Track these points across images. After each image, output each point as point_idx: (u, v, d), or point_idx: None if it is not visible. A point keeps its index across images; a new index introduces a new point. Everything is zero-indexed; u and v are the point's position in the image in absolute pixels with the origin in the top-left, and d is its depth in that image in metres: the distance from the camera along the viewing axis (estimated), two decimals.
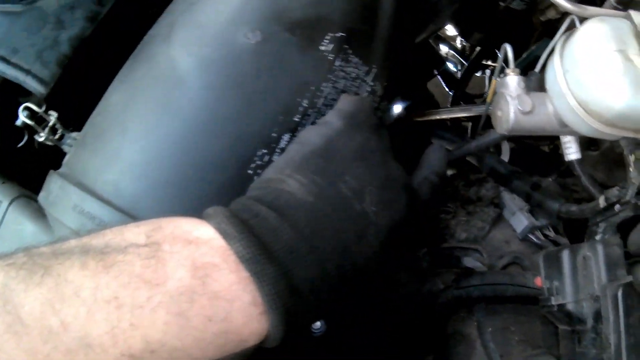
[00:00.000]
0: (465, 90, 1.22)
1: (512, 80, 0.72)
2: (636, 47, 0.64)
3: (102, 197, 0.56)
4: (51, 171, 0.66)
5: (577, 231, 0.83)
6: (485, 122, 1.07)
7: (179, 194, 0.55)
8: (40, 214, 0.63)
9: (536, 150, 0.98)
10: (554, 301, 0.66)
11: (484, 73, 1.35)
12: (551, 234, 0.82)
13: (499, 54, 0.96)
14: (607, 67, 0.62)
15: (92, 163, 0.60)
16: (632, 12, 0.67)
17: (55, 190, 0.61)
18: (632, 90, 0.61)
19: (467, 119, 1.02)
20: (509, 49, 0.74)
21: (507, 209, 0.83)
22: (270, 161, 0.57)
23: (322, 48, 0.61)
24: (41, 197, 0.65)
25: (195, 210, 0.51)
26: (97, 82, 0.71)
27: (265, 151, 0.57)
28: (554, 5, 0.91)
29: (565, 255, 0.67)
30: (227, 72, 0.58)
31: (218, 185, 0.55)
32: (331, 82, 0.61)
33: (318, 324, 0.62)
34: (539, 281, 0.69)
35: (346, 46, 0.63)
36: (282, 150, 0.57)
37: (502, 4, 0.91)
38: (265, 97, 0.58)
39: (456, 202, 0.81)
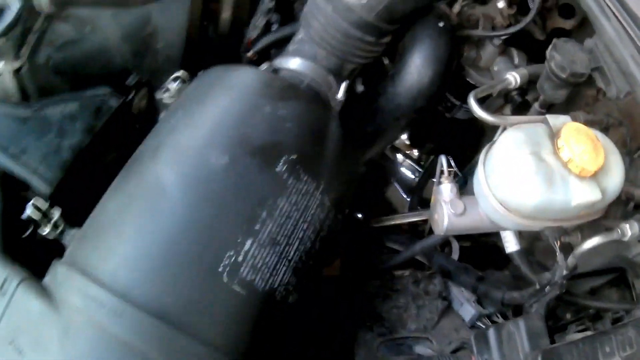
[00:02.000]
0: (422, 195, 1.50)
1: (446, 187, 1.01)
2: (549, 147, 0.92)
3: (103, 282, 0.84)
4: (56, 260, 0.94)
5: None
6: None
7: (165, 282, 0.83)
8: (45, 294, 0.89)
9: (491, 247, 1.28)
10: None
11: None
12: (499, 320, 1.11)
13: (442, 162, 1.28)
14: (521, 168, 0.90)
15: (93, 255, 0.88)
16: (549, 116, 0.96)
17: (61, 275, 0.89)
18: (544, 186, 0.88)
19: (422, 222, 1.33)
20: (443, 160, 1.04)
21: (456, 300, 1.12)
22: (236, 261, 0.86)
23: (278, 169, 0.91)
24: (47, 280, 0.91)
25: (178, 294, 0.83)
26: (93, 185, 1.01)
27: (232, 253, 0.85)
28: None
29: (491, 332, 0.94)
30: (202, 187, 0.89)
31: (196, 278, 0.84)
32: (285, 197, 0.91)
33: None
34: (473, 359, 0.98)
35: (298, 166, 0.93)
36: (247, 253, 0.86)
37: (447, 115, 1.24)
38: (232, 209, 0.88)
39: (407, 297, 1.11)
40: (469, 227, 1.01)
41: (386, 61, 1.20)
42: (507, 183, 0.93)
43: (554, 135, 0.95)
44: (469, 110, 1.19)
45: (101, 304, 0.84)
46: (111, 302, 0.84)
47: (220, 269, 0.86)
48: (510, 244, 1.04)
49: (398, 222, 1.18)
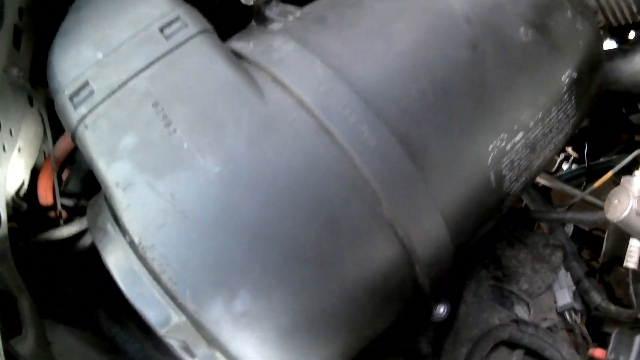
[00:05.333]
0: None
1: (638, 181, 0.84)
2: None
3: (354, 85, 0.56)
4: (258, 26, 0.64)
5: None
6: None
7: (431, 116, 0.58)
8: (234, 59, 0.60)
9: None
10: None
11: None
12: (577, 319, 0.95)
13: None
14: None
15: (338, 47, 0.60)
16: None
17: (284, 49, 0.59)
18: None
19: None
20: None
21: (557, 282, 0.95)
22: (504, 148, 0.62)
23: (562, 79, 0.69)
24: (244, 47, 0.62)
25: (436, 140, 0.57)
26: None
27: (505, 136, 0.62)
28: None
29: (638, 339, 0.80)
30: (499, 47, 0.63)
31: (463, 136, 0.60)
32: (557, 109, 0.69)
33: (442, 309, 0.67)
34: (599, 352, 0.80)
35: (573, 87, 0.70)
36: (515, 144, 0.63)
37: (623, 110, 1.06)
38: (523, 88, 0.64)
39: (528, 256, 0.92)
40: (637, 230, 0.83)
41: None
42: None
43: None
44: None
45: (347, 107, 0.55)
46: (359, 108, 0.56)
47: (490, 148, 0.60)
48: (633, 260, 0.89)
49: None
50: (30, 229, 0.79)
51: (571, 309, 0.93)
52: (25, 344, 0.65)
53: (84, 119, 0.56)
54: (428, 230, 0.57)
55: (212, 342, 0.51)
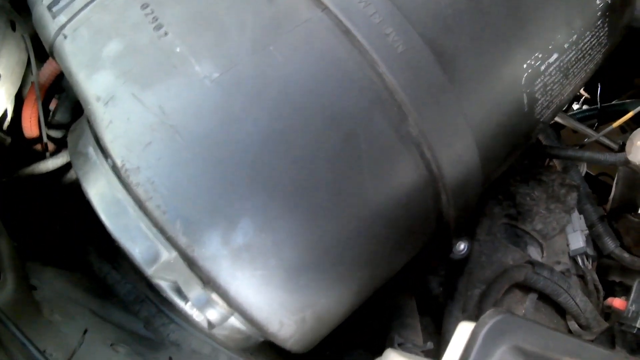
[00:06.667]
0: None
1: None
2: None
3: None
4: None
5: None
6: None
7: (459, 25, 0.48)
8: None
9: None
10: (638, 324, 0.69)
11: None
12: (589, 265, 0.87)
13: None
14: None
15: None
16: None
17: None
18: None
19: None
20: None
21: (570, 225, 0.86)
22: (538, 68, 0.52)
23: (597, 2, 0.58)
24: None
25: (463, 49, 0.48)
26: None
27: (539, 55, 0.52)
28: None
29: None
30: None
31: (495, 48, 0.50)
32: (590, 33, 0.58)
33: (462, 245, 0.59)
34: (619, 303, 0.72)
35: (608, 13, 0.60)
36: (549, 66, 0.53)
37: None
38: (556, 7, 0.54)
39: (543, 194, 0.83)
40: None
41: None
42: None
43: None
44: None
45: (370, 4, 0.45)
46: (384, 6, 0.45)
47: (524, 66, 0.51)
48: None
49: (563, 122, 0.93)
50: (14, 164, 0.70)
51: (584, 254, 0.85)
52: (4, 292, 0.57)
53: (63, 28, 0.46)
54: (458, 154, 0.47)
55: (208, 282, 0.42)
